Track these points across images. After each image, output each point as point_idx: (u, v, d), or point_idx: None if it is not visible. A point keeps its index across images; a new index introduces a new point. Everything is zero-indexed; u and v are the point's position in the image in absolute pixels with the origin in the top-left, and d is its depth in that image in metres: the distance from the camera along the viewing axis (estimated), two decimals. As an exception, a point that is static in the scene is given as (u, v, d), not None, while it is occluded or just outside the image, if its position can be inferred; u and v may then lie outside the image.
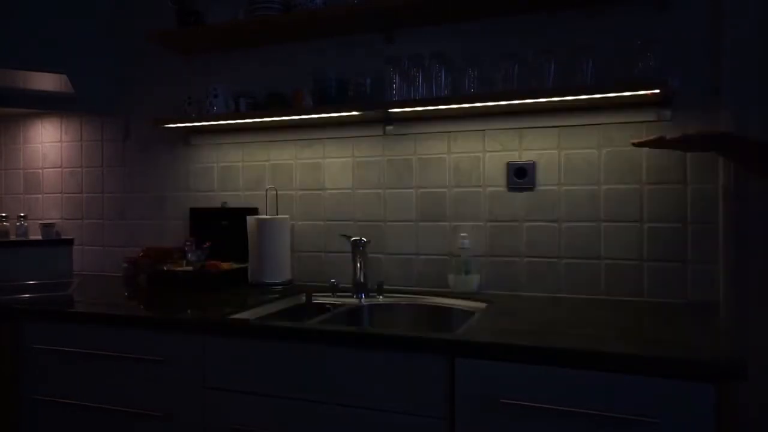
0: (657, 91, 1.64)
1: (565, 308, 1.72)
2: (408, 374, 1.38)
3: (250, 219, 2.17)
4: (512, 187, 1.97)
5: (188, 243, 2.14)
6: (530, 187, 1.95)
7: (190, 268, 2.11)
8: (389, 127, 2.11)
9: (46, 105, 2.47)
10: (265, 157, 2.33)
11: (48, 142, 2.73)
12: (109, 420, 1.70)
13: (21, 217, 2.43)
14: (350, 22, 2.04)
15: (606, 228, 1.87)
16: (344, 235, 2.06)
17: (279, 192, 2.28)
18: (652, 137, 1.65)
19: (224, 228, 2.30)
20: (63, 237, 2.45)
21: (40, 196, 2.75)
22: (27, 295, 1.99)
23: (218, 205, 2.39)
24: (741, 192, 1.67)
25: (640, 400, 1.18)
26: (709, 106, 1.75)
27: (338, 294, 2.00)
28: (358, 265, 1.98)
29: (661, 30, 1.76)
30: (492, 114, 1.97)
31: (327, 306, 1.95)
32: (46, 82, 2.38)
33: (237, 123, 2.21)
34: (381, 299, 1.97)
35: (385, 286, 2.00)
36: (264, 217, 2.19)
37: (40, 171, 2.75)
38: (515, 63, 1.83)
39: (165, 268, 2.14)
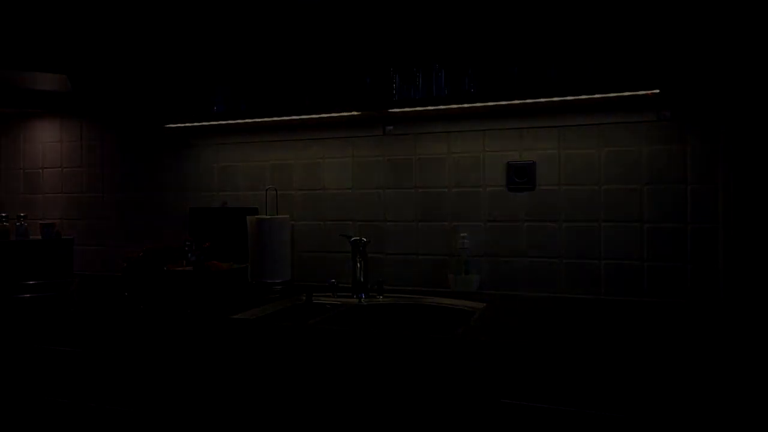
0: (657, 91, 1.64)
1: (565, 308, 1.72)
2: (408, 374, 1.38)
3: (250, 219, 2.17)
4: (512, 187, 1.97)
5: (188, 243, 2.14)
6: (530, 187, 1.95)
7: (190, 268, 2.10)
8: (389, 127, 2.11)
9: (46, 105, 2.47)
10: (265, 157, 2.33)
11: (48, 142, 2.73)
12: (109, 420, 1.70)
13: (21, 217, 2.43)
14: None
15: (606, 228, 1.87)
16: (344, 235, 2.06)
17: (279, 192, 2.28)
18: None
19: (224, 228, 2.30)
20: (63, 237, 2.45)
21: (40, 196, 2.75)
22: (27, 295, 1.99)
23: (218, 205, 2.39)
24: (741, 191, 1.67)
25: (640, 400, 1.18)
26: (709, 106, 1.75)
27: (338, 294, 2.00)
28: (358, 265, 1.98)
29: (661, 29, 1.76)
30: (492, 114, 1.97)
31: (327, 306, 1.95)
32: (46, 82, 2.38)
33: (237, 123, 2.21)
34: (381, 299, 1.97)
35: (385, 286, 2.00)
36: (264, 217, 2.19)
37: (40, 171, 2.75)
38: (515, 63, 1.83)
39: (165, 268, 2.14)
